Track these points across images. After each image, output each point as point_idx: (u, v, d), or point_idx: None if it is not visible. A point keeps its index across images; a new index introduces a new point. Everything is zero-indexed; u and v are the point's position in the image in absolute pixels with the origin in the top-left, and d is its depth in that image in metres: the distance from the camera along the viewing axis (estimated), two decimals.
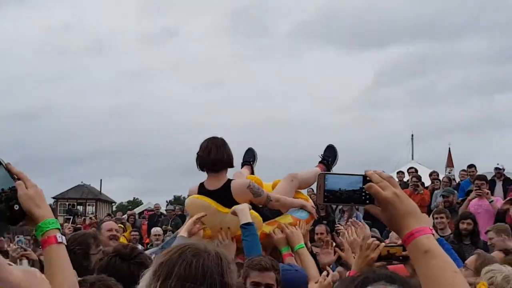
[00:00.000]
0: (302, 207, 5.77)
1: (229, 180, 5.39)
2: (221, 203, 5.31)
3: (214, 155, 5.30)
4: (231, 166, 5.52)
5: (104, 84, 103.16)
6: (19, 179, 2.45)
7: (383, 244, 4.14)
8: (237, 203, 5.25)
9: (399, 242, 4.15)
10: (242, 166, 6.56)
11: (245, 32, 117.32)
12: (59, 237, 2.45)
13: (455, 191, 14.28)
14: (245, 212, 5.11)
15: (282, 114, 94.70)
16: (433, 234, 2.18)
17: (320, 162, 6.42)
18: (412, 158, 32.63)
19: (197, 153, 5.41)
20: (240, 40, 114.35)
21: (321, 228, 10.99)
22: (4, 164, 2.44)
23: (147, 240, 16.79)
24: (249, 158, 6.63)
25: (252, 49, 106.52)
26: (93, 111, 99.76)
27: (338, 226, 14.40)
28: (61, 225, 20.50)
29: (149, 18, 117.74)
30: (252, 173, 6.50)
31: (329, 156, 6.40)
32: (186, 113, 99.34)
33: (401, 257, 4.07)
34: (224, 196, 5.31)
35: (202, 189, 5.46)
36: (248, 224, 5.06)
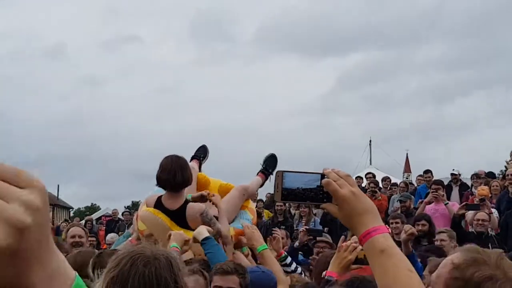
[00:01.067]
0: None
1: (186, 202, 5.45)
2: (176, 222, 5.38)
3: (180, 177, 5.36)
4: (187, 186, 5.54)
5: (61, 89, 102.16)
6: None
7: (360, 247, 4.05)
8: (186, 224, 5.36)
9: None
10: (191, 159, 6.56)
11: (204, 38, 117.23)
12: None
13: (412, 196, 14.41)
14: (200, 231, 5.09)
15: (239, 120, 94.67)
16: (389, 233, 2.18)
17: (260, 171, 6.47)
18: (370, 164, 32.80)
19: (160, 173, 5.43)
20: (199, 45, 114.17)
21: (280, 233, 10.98)
22: None
23: (104, 246, 16.65)
24: (200, 154, 6.65)
25: (211, 55, 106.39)
26: (49, 115, 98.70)
27: (297, 231, 14.62)
28: None
29: (109, 23, 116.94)
30: (199, 169, 6.51)
31: (270, 165, 6.44)
32: (141, 118, 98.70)
33: None
34: (179, 217, 5.38)
35: (160, 206, 5.50)
36: (206, 238, 5.05)
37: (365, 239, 2.14)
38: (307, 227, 11.29)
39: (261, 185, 6.56)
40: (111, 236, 15.02)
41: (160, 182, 5.42)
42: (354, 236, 4.21)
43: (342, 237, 4.53)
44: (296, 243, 10.60)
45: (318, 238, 9.51)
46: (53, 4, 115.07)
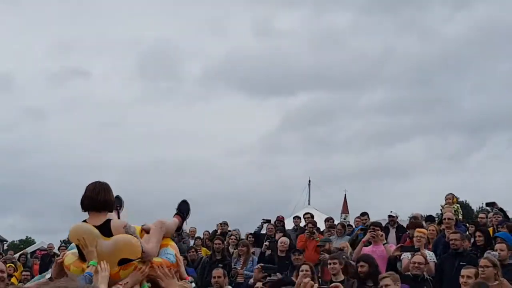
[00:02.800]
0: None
1: (109, 220, 5.58)
2: (102, 234, 5.50)
3: (102, 196, 5.59)
4: (111, 210, 5.77)
5: (3, 120, 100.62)
6: None
7: (316, 285, 4.34)
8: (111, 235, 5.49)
9: (333, 284, 4.34)
10: (174, 216, 6.70)
11: (152, 75, 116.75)
12: None
13: (331, 240, 14.79)
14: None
15: (178, 156, 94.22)
16: None
17: (177, 214, 6.66)
18: (309, 204, 32.98)
19: (85, 194, 5.65)
20: (146, 82, 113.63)
21: (218, 272, 10.96)
22: None
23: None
24: (182, 210, 6.76)
25: (157, 92, 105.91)
26: None
27: (235, 269, 14.61)
28: None
29: (57, 57, 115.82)
30: (182, 224, 6.70)
31: (184, 210, 6.69)
32: (80, 152, 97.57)
33: None
34: (105, 230, 5.50)
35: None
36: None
37: None
38: (262, 264, 11.29)
39: (179, 228, 6.71)
40: (47, 276, 14.66)
41: (84, 202, 5.62)
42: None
43: (300, 275, 4.63)
44: (251, 280, 10.61)
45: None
46: (3, 34, 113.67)
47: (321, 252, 13.34)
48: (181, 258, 6.17)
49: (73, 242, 5.77)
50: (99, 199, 5.58)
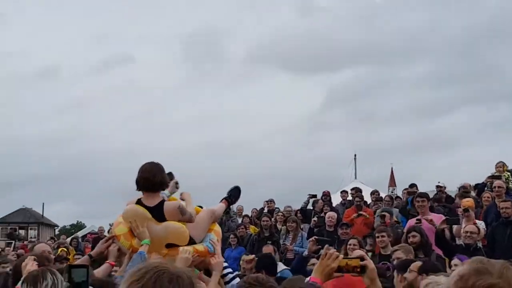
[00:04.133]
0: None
1: (163, 201, 5.84)
2: (154, 217, 5.74)
3: (159, 178, 5.80)
4: (164, 189, 5.96)
5: (51, 109, 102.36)
6: None
7: (341, 256, 4.29)
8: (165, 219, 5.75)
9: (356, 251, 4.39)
10: (221, 201, 6.88)
11: (196, 58, 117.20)
12: None
13: (392, 210, 14.50)
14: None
15: (224, 137, 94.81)
16: None
17: (225, 198, 6.84)
18: (355, 178, 32.81)
19: (141, 174, 5.84)
20: (190, 65, 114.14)
21: (268, 248, 10.99)
22: None
23: None
24: (231, 195, 6.93)
25: (202, 75, 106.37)
26: (37, 136, 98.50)
27: (284, 245, 14.63)
28: (3, 249, 20.12)
29: (101, 45, 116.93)
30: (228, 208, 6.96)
31: (234, 196, 6.89)
32: (127, 138, 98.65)
33: (358, 269, 4.23)
34: (158, 212, 5.73)
35: (139, 203, 5.86)
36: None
37: None
38: (317, 237, 11.25)
39: (225, 211, 6.97)
40: None
41: (140, 182, 5.83)
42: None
43: (326, 245, 4.67)
44: (305, 252, 10.61)
45: None
46: (47, 27, 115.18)
47: (382, 224, 13.15)
48: (219, 243, 6.26)
49: (126, 222, 5.92)
50: (155, 180, 5.79)
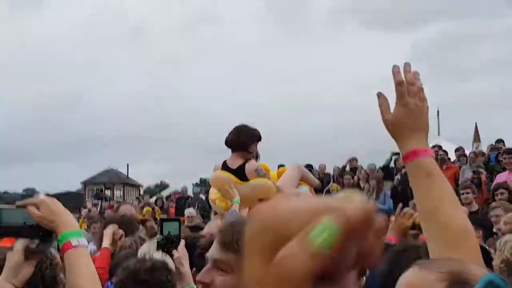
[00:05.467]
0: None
1: (245, 162, 6.14)
2: (239, 178, 6.12)
3: (242, 138, 6.19)
4: (248, 150, 6.25)
5: (134, 70, 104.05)
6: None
7: (416, 213, 4.24)
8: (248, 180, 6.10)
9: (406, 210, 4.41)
10: None
11: (281, 15, 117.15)
12: (73, 242, 2.53)
13: (484, 171, 14.06)
14: None
15: (308, 93, 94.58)
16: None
17: None
18: (439, 134, 32.28)
19: (230, 134, 6.27)
20: (275, 23, 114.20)
21: None
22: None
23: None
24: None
25: (287, 32, 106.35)
26: (120, 96, 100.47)
27: None
28: (89, 209, 20.65)
29: (186, 3, 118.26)
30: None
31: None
32: (212, 96, 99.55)
33: None
34: (241, 174, 6.11)
35: (225, 166, 6.25)
36: None
37: (412, 157, 2.06)
38: None
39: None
40: (189, 211, 15.09)
41: (227, 142, 6.27)
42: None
43: (400, 205, 4.74)
44: None
45: None
46: None
47: (474, 179, 12.89)
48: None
49: (214, 189, 6.38)
50: (239, 141, 6.17)
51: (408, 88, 2.06)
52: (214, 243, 2.35)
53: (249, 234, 0.70)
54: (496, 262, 4.77)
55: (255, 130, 6.32)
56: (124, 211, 6.82)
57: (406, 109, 2.06)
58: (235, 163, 6.15)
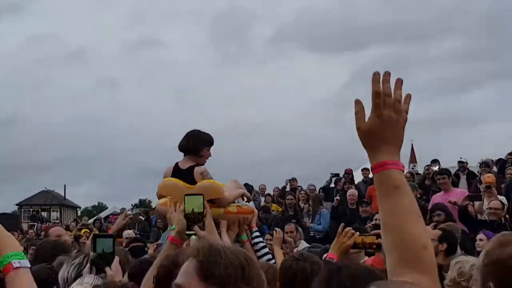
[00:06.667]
0: (243, 195, 6.48)
1: (195, 165, 6.27)
2: (186, 181, 6.14)
3: (191, 143, 6.37)
4: (197, 154, 6.40)
5: (72, 92, 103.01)
6: None
7: (357, 233, 4.53)
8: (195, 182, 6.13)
9: (374, 231, 4.52)
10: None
11: (223, 39, 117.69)
12: (14, 263, 2.53)
13: (417, 186, 14.27)
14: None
15: (250, 117, 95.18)
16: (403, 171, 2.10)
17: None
18: None
19: (182, 138, 6.45)
20: (218, 46, 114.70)
21: (290, 227, 11.04)
22: None
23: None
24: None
25: (229, 55, 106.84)
26: (59, 119, 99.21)
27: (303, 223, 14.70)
28: (26, 232, 20.31)
29: (128, 27, 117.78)
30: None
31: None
32: (151, 119, 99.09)
33: (374, 246, 4.43)
34: (189, 175, 6.17)
35: (176, 167, 6.38)
36: None
37: (380, 169, 2.07)
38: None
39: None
40: (128, 232, 14.92)
41: (179, 145, 6.43)
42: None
43: (342, 224, 4.77)
44: None
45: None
46: (75, 9, 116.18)
47: None
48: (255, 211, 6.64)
49: (162, 195, 6.29)
50: (188, 145, 6.36)
51: (384, 99, 2.05)
52: (192, 274, 2.13)
53: None
54: (446, 281, 4.98)
55: (207, 134, 6.53)
56: (54, 233, 6.88)
57: (379, 120, 2.05)
58: (185, 165, 6.31)
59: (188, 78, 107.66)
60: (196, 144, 6.43)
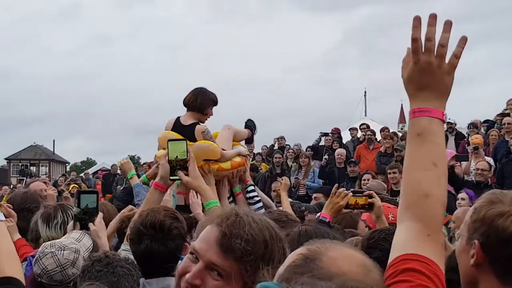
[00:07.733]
0: (239, 154, 6.60)
1: (196, 123, 6.37)
2: (187, 137, 5.88)
3: (199, 100, 6.43)
4: (202, 112, 6.49)
5: (64, 48, 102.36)
6: None
7: (351, 193, 4.61)
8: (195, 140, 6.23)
9: (367, 192, 4.60)
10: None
11: None
12: None
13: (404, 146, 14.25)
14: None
15: (240, 74, 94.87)
16: (444, 121, 2.08)
17: (246, 127, 7.34)
18: (365, 115, 32.79)
19: (188, 94, 6.49)
20: (208, 4, 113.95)
21: (277, 185, 11.07)
22: None
23: (103, 199, 16.73)
24: (250, 125, 7.42)
25: (221, 12, 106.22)
26: (49, 74, 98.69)
27: (297, 179, 14.76)
28: (14, 186, 20.29)
29: None
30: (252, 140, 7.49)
31: (251, 125, 7.39)
32: (142, 75, 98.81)
33: (366, 206, 4.57)
34: (190, 132, 6.24)
35: (177, 121, 6.47)
36: None
37: (412, 116, 2.06)
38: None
39: (250, 139, 7.41)
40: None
41: (184, 100, 6.48)
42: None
43: (336, 185, 4.85)
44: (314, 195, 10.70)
45: None
46: None
47: (397, 156, 13.10)
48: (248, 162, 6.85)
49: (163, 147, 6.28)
50: (196, 102, 6.41)
51: (425, 44, 2.01)
52: (211, 243, 2.08)
53: None
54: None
55: (213, 94, 6.55)
56: (34, 187, 6.96)
57: (416, 67, 2.02)
58: (188, 120, 6.38)
59: (179, 34, 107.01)
60: (203, 102, 6.46)
